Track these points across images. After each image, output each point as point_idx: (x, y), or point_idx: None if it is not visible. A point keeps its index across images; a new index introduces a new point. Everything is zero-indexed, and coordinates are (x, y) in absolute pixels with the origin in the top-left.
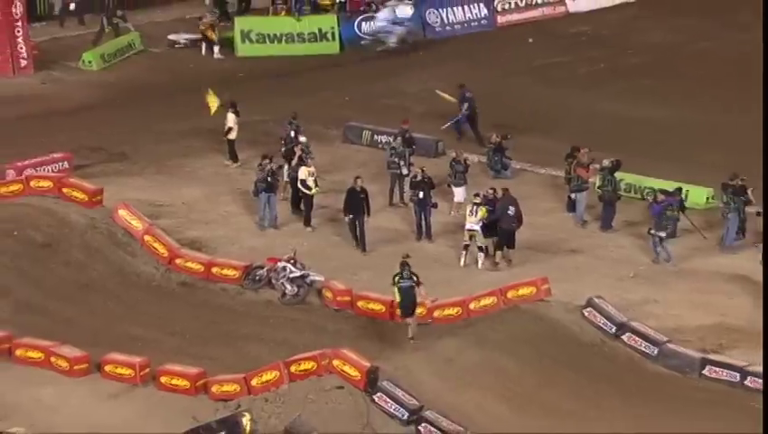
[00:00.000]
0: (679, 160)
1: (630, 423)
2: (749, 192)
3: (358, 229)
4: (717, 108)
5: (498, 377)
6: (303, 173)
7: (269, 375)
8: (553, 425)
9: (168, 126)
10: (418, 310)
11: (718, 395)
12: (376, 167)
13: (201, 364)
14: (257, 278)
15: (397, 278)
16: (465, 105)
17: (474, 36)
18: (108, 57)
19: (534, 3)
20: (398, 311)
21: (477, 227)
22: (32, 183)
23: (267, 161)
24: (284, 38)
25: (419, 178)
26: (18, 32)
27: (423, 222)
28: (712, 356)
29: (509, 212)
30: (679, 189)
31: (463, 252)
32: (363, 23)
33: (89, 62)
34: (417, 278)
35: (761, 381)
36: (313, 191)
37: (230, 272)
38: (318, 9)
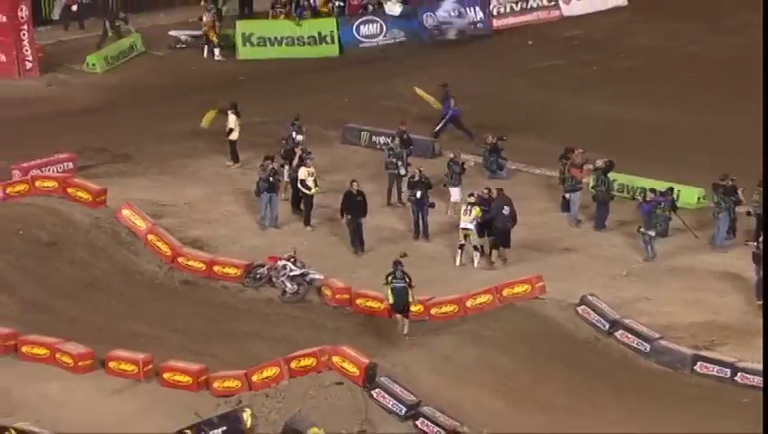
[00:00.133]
0: (671, 161)
1: (623, 418)
2: (739, 192)
3: (356, 231)
4: (708, 110)
5: (494, 373)
6: (302, 173)
7: (270, 371)
8: (548, 420)
9: (170, 127)
10: (415, 308)
11: (709, 391)
12: (374, 168)
13: (202, 361)
14: (258, 276)
15: (390, 278)
16: (447, 103)
17: (470, 39)
18: (112, 59)
19: (529, 7)
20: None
21: (471, 226)
22: (38, 184)
23: (269, 161)
24: (284, 41)
25: (417, 178)
26: (24, 35)
27: (420, 222)
28: (703, 353)
29: (504, 211)
30: (671, 189)
31: (459, 251)
32: (361, 26)
33: (93, 65)
34: (410, 279)
35: (751, 377)
36: (313, 191)
37: (232, 271)
38: (318, 14)
